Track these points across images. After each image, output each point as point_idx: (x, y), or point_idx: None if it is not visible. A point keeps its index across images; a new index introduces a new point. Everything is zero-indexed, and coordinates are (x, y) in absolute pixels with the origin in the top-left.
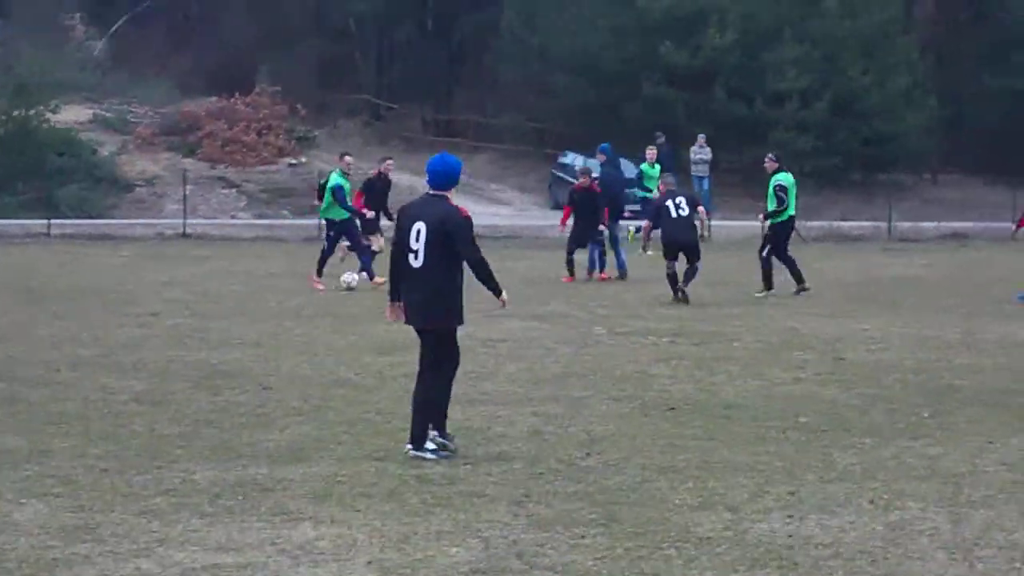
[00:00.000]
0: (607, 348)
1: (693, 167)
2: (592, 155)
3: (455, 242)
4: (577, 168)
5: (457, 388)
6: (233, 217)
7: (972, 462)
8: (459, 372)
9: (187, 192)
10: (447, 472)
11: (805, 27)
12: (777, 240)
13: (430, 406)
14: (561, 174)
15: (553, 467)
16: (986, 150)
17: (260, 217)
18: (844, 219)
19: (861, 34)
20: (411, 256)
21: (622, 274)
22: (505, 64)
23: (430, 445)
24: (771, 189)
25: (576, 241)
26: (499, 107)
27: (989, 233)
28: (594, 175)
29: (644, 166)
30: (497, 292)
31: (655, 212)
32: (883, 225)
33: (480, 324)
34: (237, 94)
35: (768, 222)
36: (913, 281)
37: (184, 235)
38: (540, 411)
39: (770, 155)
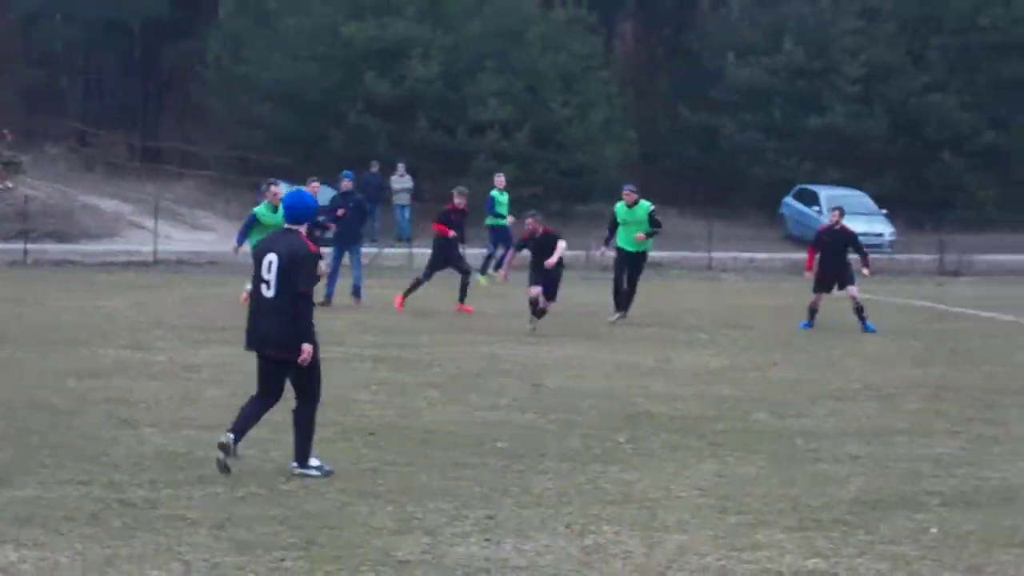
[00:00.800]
0: None
1: (395, 196)
2: (299, 182)
3: (297, 272)
4: (455, 190)
5: (159, 413)
6: None
7: (666, 487)
8: (163, 396)
9: None
10: (149, 496)
11: (507, 59)
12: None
13: (310, 425)
14: None
15: (254, 491)
16: (682, 182)
17: None
18: None
19: (562, 67)
20: (264, 286)
21: (327, 301)
22: (211, 93)
23: (314, 462)
24: (646, 214)
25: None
26: (205, 135)
27: (685, 262)
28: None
29: (495, 192)
30: (306, 339)
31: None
32: (582, 254)
33: (181, 350)
34: None
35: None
36: (609, 309)
37: None
38: None
39: (631, 186)
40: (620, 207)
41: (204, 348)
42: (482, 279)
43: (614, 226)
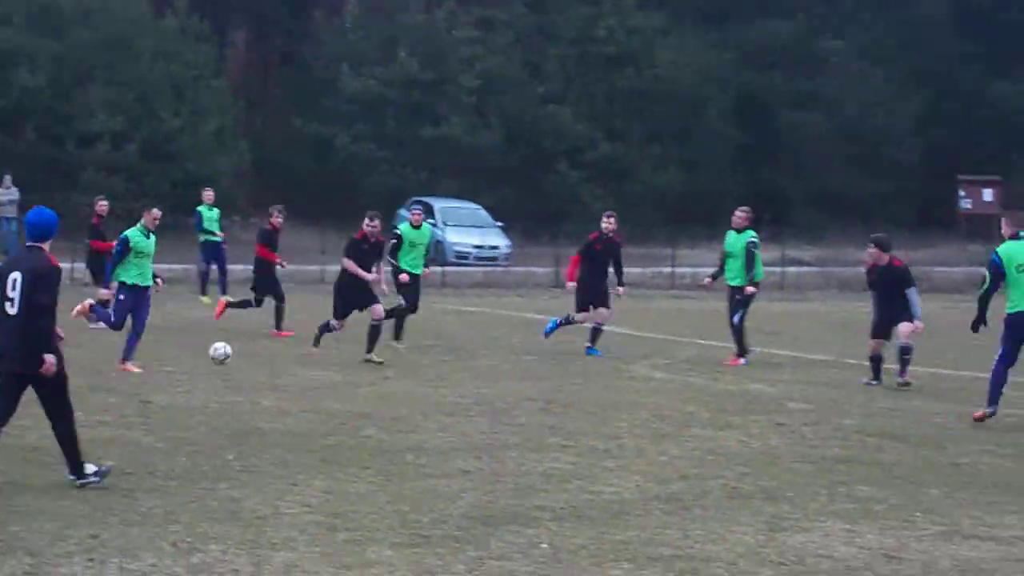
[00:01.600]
0: None
1: (1, 209)
2: None
3: (37, 286)
4: (275, 208)
5: None
6: None
7: (274, 504)
8: None
9: None
10: None
11: (117, 69)
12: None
13: (73, 437)
14: None
15: None
16: (295, 193)
17: None
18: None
19: (174, 77)
20: (7, 304)
21: None
22: None
23: (89, 468)
24: (430, 238)
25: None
26: None
27: (299, 276)
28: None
29: (203, 208)
30: (47, 351)
31: None
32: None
33: None
34: None
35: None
36: (213, 322)
37: None
38: None
39: (419, 206)
40: (407, 229)
41: None
42: (204, 299)
43: (399, 249)
